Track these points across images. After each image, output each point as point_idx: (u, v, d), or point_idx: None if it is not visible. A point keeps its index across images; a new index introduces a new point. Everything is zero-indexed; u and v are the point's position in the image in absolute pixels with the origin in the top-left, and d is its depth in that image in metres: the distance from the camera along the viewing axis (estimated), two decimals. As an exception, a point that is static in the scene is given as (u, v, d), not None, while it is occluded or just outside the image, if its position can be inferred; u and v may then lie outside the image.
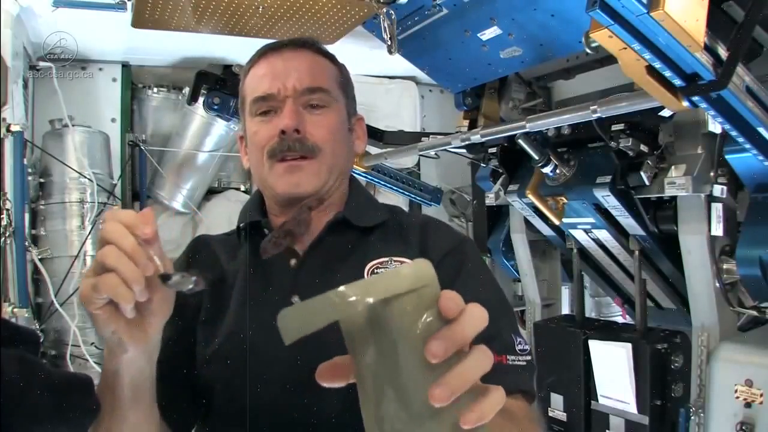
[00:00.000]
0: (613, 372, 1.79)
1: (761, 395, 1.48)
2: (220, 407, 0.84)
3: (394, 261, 0.88)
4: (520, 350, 0.82)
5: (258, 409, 0.79)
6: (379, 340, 0.45)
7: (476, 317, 0.46)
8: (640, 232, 1.76)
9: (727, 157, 1.54)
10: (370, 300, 0.42)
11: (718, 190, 1.59)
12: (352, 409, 0.77)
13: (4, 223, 1.81)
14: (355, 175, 1.31)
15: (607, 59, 1.74)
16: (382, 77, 2.98)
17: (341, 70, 0.98)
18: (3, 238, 1.81)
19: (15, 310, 1.83)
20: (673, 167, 1.62)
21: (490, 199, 2.22)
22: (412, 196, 2.75)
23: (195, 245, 1.00)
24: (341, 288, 0.42)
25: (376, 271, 0.87)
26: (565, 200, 1.87)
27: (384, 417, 0.45)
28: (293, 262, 0.88)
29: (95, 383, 0.73)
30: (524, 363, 0.81)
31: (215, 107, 2.10)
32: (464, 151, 2.16)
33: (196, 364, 0.87)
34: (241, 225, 0.96)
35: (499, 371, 0.78)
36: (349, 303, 0.42)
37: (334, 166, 0.91)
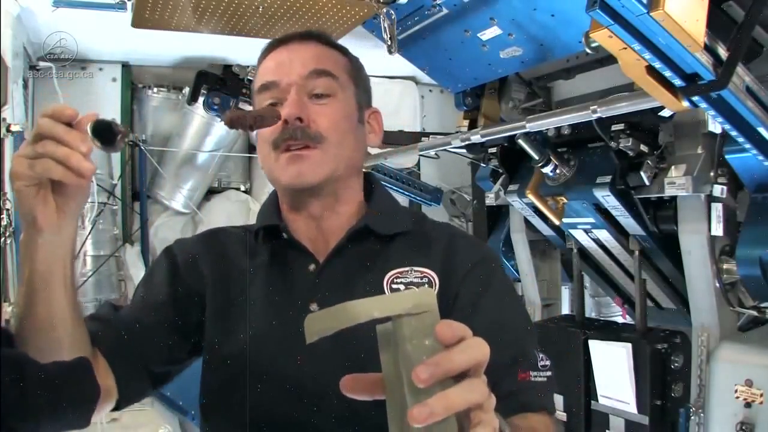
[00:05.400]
0: (613, 372, 1.79)
1: (761, 395, 1.48)
2: (231, 405, 0.83)
3: (415, 271, 0.86)
4: (542, 366, 0.83)
5: (272, 411, 0.79)
6: (392, 358, 0.49)
7: (473, 349, 0.47)
8: (640, 232, 1.76)
9: (727, 157, 1.54)
10: (373, 316, 0.47)
11: (718, 190, 1.59)
12: (366, 416, 0.78)
13: (4, 223, 1.81)
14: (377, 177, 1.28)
15: (607, 59, 1.73)
16: (382, 77, 2.98)
17: (351, 60, 0.95)
18: (3, 238, 1.81)
19: (15, 310, 1.82)
20: (673, 167, 1.61)
21: (490, 199, 2.22)
22: (412, 196, 2.76)
23: (208, 235, 0.98)
24: (354, 301, 0.48)
25: (395, 280, 0.86)
26: (565, 200, 1.87)
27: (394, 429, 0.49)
28: (312, 267, 0.87)
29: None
30: (545, 379, 0.83)
31: (215, 107, 2.11)
32: (464, 151, 2.16)
33: (205, 360, 0.86)
34: (257, 228, 0.93)
35: (524, 388, 0.79)
36: (356, 315, 0.47)
37: (340, 157, 0.87)
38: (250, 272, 0.89)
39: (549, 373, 0.83)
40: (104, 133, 0.69)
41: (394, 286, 0.85)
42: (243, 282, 0.88)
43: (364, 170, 0.99)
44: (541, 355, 0.84)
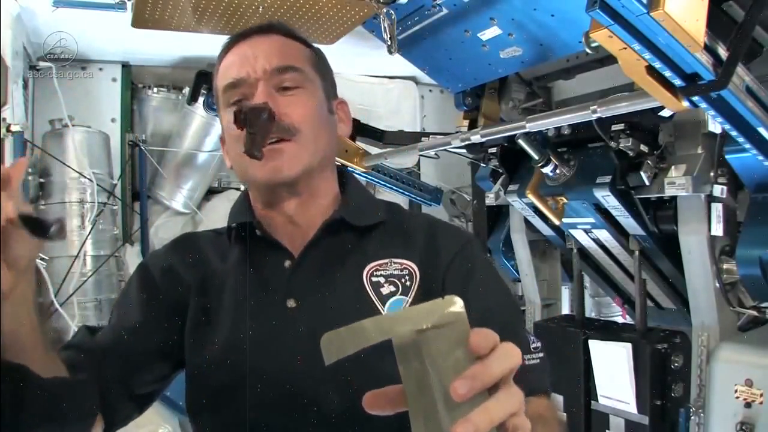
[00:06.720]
0: (613, 372, 1.79)
1: (761, 395, 1.48)
2: (217, 411, 0.82)
3: (394, 263, 0.84)
4: (533, 348, 0.83)
5: (258, 413, 0.78)
6: (418, 373, 0.47)
7: (507, 357, 0.46)
8: (640, 232, 1.76)
9: (727, 157, 1.54)
10: (396, 333, 0.45)
11: (718, 190, 1.59)
12: (351, 417, 0.77)
13: (4, 223, 1.81)
14: (353, 172, 1.28)
15: (607, 59, 1.74)
16: (382, 77, 2.99)
17: (315, 52, 0.94)
18: (3, 238, 1.81)
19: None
20: (673, 167, 1.62)
21: (490, 199, 2.22)
22: (412, 196, 2.75)
23: (180, 243, 0.96)
24: (376, 317, 0.46)
25: (375, 273, 0.83)
26: (565, 200, 1.87)
27: None
28: (287, 263, 0.85)
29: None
30: (538, 361, 0.82)
31: (215, 107, 2.10)
32: (464, 151, 2.16)
33: (189, 366, 0.85)
34: (230, 227, 0.91)
35: (522, 372, 0.78)
36: (377, 334, 0.45)
37: (316, 149, 0.86)
38: (226, 274, 0.87)
39: (541, 355, 0.83)
40: (35, 227, 0.62)
41: (373, 279, 0.83)
42: (220, 284, 0.86)
43: (337, 164, 0.97)
44: (532, 337, 0.84)
